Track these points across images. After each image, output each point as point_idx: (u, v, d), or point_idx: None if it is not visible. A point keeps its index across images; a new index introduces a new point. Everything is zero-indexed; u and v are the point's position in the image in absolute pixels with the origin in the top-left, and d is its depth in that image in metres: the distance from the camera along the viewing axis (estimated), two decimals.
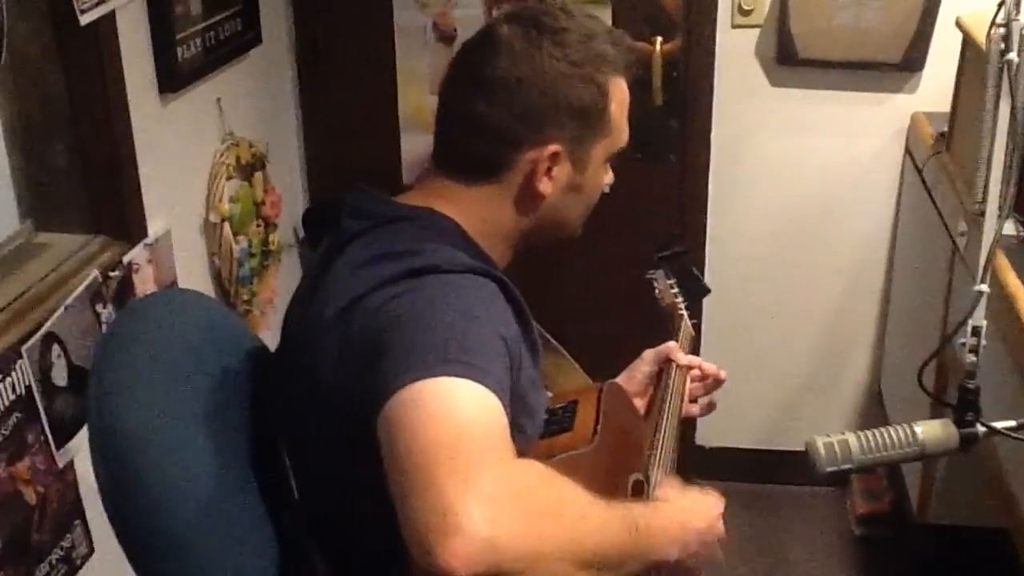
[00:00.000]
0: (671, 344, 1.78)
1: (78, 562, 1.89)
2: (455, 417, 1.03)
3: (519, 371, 1.21)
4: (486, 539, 0.95)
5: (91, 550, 1.92)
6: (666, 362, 1.76)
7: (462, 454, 1.00)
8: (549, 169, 1.35)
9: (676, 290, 1.91)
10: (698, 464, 3.14)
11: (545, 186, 1.35)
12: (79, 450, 1.85)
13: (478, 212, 1.36)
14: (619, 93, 1.39)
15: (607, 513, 1.11)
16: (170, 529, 1.22)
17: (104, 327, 1.95)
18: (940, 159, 2.43)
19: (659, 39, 2.83)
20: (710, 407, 1.83)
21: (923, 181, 2.54)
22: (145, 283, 2.13)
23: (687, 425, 1.79)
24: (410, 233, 1.30)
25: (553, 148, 1.33)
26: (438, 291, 1.17)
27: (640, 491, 1.44)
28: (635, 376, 1.76)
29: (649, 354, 1.77)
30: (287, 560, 1.33)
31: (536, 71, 1.32)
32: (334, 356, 1.21)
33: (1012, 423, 1.53)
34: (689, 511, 1.28)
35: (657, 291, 1.92)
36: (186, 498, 1.23)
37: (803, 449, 1.52)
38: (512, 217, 1.38)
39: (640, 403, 1.74)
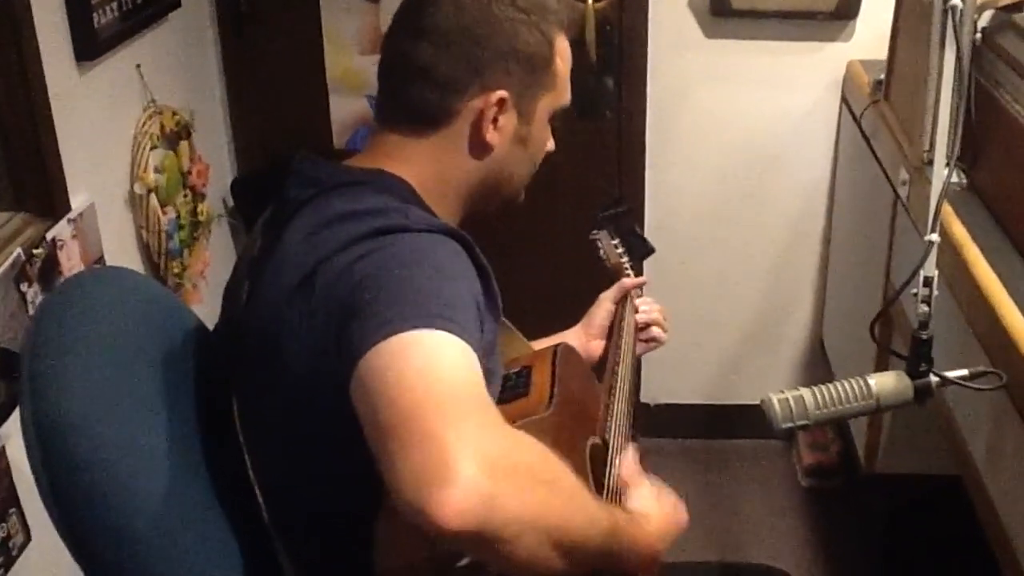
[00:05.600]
0: (623, 280, 1.82)
1: (15, 552, 1.83)
2: (441, 369, 1.01)
3: (482, 332, 1.18)
4: (483, 493, 0.92)
5: (28, 538, 1.86)
6: (621, 302, 1.79)
7: (454, 406, 0.97)
8: (495, 118, 1.33)
9: (621, 250, 1.90)
10: (645, 422, 3.14)
11: (492, 135, 1.34)
12: (10, 436, 1.78)
13: (427, 167, 1.34)
14: (563, 48, 1.39)
15: (595, 504, 1.09)
16: (122, 525, 1.15)
17: (31, 307, 1.87)
18: (878, 108, 2.42)
19: None
20: (653, 341, 1.86)
21: (861, 130, 2.54)
22: (71, 260, 2.05)
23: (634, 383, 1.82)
24: (365, 195, 1.26)
25: (500, 94, 1.32)
26: (408, 249, 1.15)
27: (598, 456, 1.42)
28: (594, 320, 1.79)
29: (606, 297, 1.81)
30: (249, 550, 1.27)
31: (482, 16, 1.31)
32: (298, 322, 1.17)
33: (964, 372, 1.54)
34: (660, 534, 1.25)
35: (602, 251, 1.91)
36: (137, 491, 1.17)
37: (748, 403, 1.51)
38: (459, 171, 1.36)
39: (600, 344, 1.77)
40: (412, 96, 1.34)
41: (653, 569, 1.23)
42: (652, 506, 1.29)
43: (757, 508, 3.00)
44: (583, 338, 1.77)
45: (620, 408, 1.56)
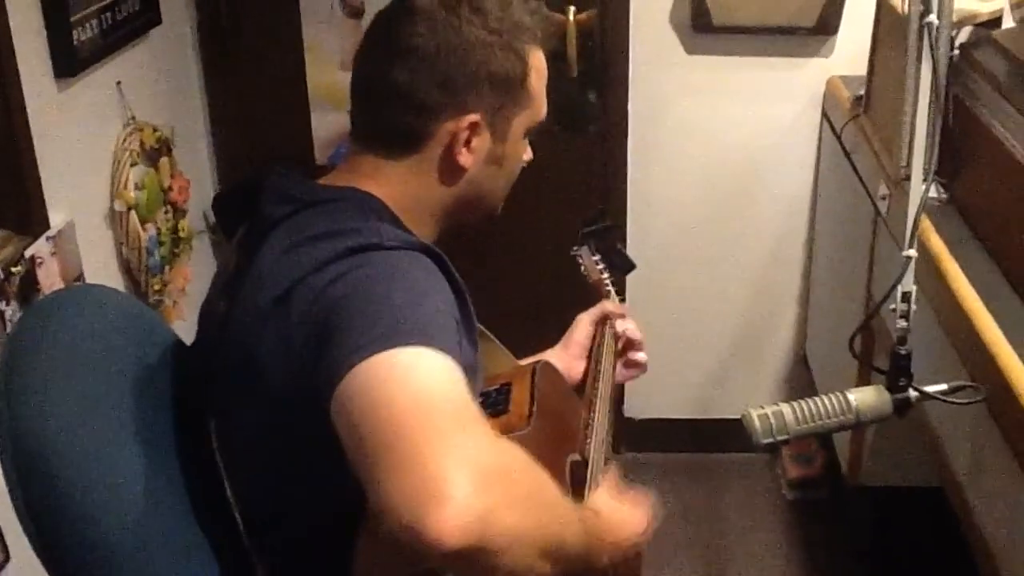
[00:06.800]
0: (605, 303, 1.80)
1: None
2: (424, 385, 1.00)
3: (460, 349, 1.17)
4: (477, 509, 0.92)
5: (7, 557, 1.85)
6: (600, 323, 1.77)
7: (439, 421, 0.96)
8: (468, 141, 1.33)
9: (602, 266, 1.90)
10: (629, 437, 3.13)
11: (465, 158, 1.33)
12: None
13: (400, 188, 1.33)
14: (538, 64, 1.38)
15: (572, 508, 1.10)
16: (100, 544, 1.14)
17: (9, 326, 1.86)
18: (858, 123, 2.43)
19: (572, 8, 2.79)
20: (637, 366, 1.84)
21: (842, 145, 2.55)
22: (50, 277, 2.04)
23: (616, 398, 1.81)
24: (340, 213, 1.25)
25: (472, 118, 1.31)
26: (383, 268, 1.14)
27: (578, 472, 1.41)
28: (574, 339, 1.77)
29: (585, 317, 1.79)
30: (227, 566, 1.27)
31: (455, 38, 1.30)
32: (274, 343, 1.16)
33: (944, 386, 1.54)
34: (618, 527, 1.24)
35: (583, 268, 1.91)
36: (115, 509, 1.16)
37: (732, 417, 1.51)
38: (434, 192, 1.35)
39: (580, 364, 1.75)
40: (385, 119, 1.33)
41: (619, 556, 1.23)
42: (603, 503, 1.27)
43: (742, 521, 2.99)
44: (564, 358, 1.75)
45: (600, 425, 1.56)
